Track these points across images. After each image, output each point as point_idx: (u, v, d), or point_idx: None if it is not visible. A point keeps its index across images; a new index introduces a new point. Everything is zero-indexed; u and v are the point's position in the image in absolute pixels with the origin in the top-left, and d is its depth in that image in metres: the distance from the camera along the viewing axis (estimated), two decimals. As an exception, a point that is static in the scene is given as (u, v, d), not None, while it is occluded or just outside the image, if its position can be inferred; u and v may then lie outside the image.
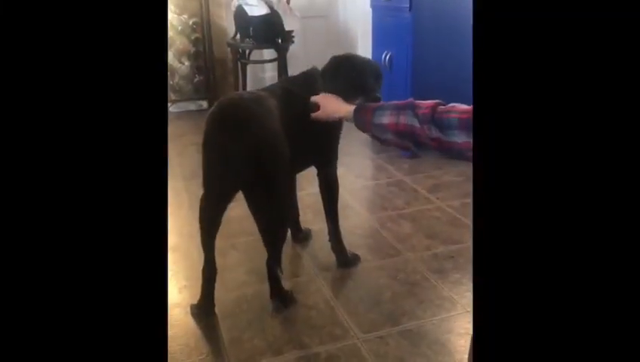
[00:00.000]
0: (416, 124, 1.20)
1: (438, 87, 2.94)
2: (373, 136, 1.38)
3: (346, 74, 1.68)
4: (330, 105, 1.53)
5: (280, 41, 3.82)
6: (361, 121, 1.37)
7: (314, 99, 1.60)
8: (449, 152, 1.19)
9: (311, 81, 1.75)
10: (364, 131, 1.40)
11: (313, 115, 1.57)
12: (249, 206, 1.59)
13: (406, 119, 1.23)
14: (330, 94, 1.58)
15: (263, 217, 1.60)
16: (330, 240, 1.97)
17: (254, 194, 1.57)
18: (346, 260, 1.95)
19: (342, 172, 1.95)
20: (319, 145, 1.84)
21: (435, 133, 1.17)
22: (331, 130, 1.80)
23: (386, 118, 1.28)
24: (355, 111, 1.40)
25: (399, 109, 1.26)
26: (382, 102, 1.39)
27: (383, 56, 3.19)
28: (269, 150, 1.51)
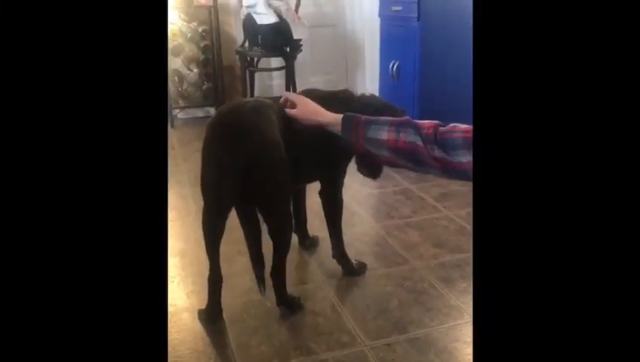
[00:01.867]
0: (419, 143, 1.16)
1: (445, 96, 2.96)
2: (363, 151, 1.28)
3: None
4: (310, 106, 1.43)
5: (288, 49, 3.85)
6: (352, 133, 1.28)
7: (288, 95, 1.52)
8: (452, 172, 1.16)
9: (335, 98, 1.71)
10: (353, 145, 1.30)
11: (288, 111, 1.48)
12: (241, 220, 1.62)
13: (407, 136, 1.18)
14: (307, 99, 1.49)
15: (256, 231, 1.62)
16: (333, 256, 1.98)
17: (251, 208, 1.57)
18: (351, 270, 1.96)
19: (347, 179, 1.95)
20: (326, 161, 1.78)
21: (438, 153, 1.14)
22: (342, 148, 1.76)
23: (384, 134, 1.21)
24: (345, 120, 1.30)
25: (399, 126, 1.21)
26: (374, 117, 1.29)
27: (391, 65, 3.21)
28: (266, 162, 1.48)
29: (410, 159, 1.19)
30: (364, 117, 1.28)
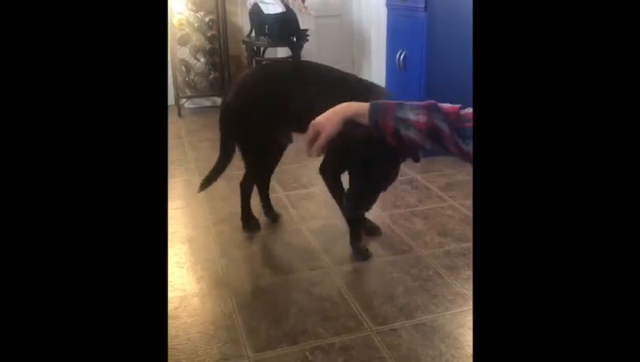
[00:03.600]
0: (446, 129, 1.19)
1: (452, 87, 2.96)
2: (392, 133, 1.25)
3: None
4: (333, 113, 1.30)
5: (295, 39, 3.86)
6: (381, 114, 1.25)
7: (314, 124, 1.31)
8: (469, 160, 1.18)
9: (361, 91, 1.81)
10: (381, 127, 1.26)
11: (321, 141, 1.29)
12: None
13: (437, 121, 1.21)
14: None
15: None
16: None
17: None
18: (367, 229, 2.16)
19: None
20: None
21: (459, 140, 1.18)
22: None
23: (414, 116, 1.23)
24: (372, 105, 1.28)
25: (428, 110, 1.22)
26: (399, 101, 1.30)
27: (397, 55, 3.22)
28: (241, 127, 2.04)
29: (435, 142, 1.23)
30: (390, 102, 1.30)
